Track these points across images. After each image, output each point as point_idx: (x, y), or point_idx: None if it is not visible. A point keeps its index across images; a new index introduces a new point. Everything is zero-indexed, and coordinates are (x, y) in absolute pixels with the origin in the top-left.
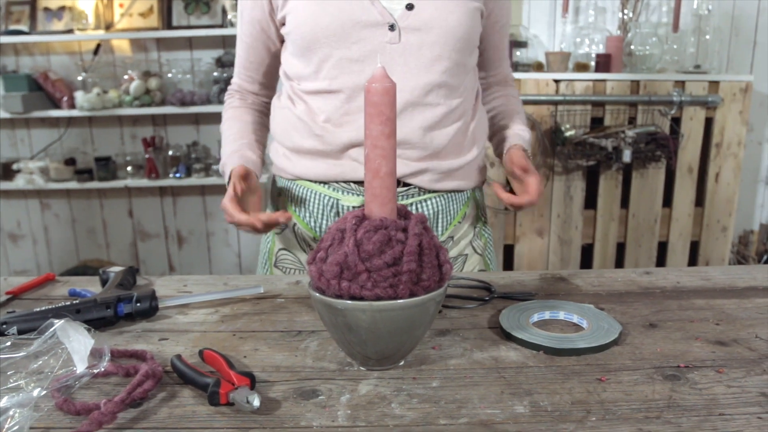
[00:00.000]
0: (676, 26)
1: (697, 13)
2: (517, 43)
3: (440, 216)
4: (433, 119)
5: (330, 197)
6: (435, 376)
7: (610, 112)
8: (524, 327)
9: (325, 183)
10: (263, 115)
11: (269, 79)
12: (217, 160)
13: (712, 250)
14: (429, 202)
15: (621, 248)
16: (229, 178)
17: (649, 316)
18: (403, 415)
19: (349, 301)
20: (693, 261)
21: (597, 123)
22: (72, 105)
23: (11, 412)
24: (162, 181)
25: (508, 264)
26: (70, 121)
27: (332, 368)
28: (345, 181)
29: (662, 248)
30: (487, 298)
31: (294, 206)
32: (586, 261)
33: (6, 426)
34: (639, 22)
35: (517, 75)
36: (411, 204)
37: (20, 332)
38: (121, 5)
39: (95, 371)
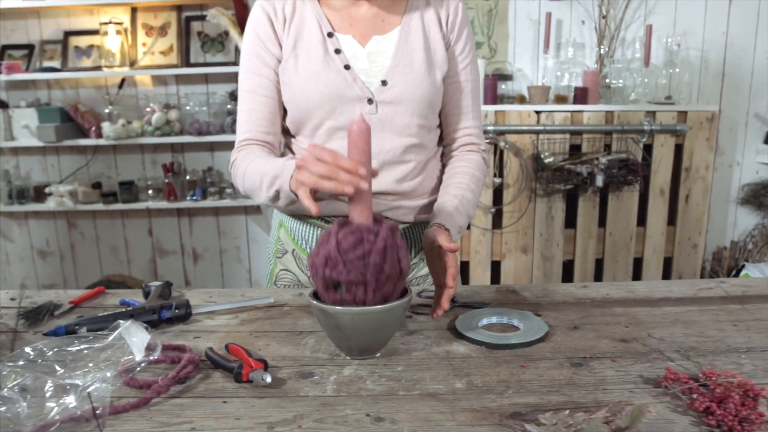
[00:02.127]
0: (647, 61)
1: (668, 48)
2: (503, 77)
3: (413, 242)
4: (405, 172)
5: (322, 228)
6: (400, 363)
7: (587, 140)
8: (474, 328)
9: (318, 218)
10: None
11: (280, 128)
12: (232, 185)
13: (684, 265)
14: (404, 232)
15: (599, 264)
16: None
17: (575, 320)
18: (373, 389)
19: (338, 307)
20: (667, 276)
21: (575, 150)
22: (99, 134)
23: (95, 386)
24: (180, 204)
25: (495, 279)
26: (96, 149)
27: (325, 357)
28: (336, 216)
29: (638, 264)
30: (450, 306)
31: (293, 235)
32: (568, 276)
33: (94, 395)
34: (614, 58)
35: (501, 107)
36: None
37: (88, 331)
38: (144, 44)
39: (150, 358)
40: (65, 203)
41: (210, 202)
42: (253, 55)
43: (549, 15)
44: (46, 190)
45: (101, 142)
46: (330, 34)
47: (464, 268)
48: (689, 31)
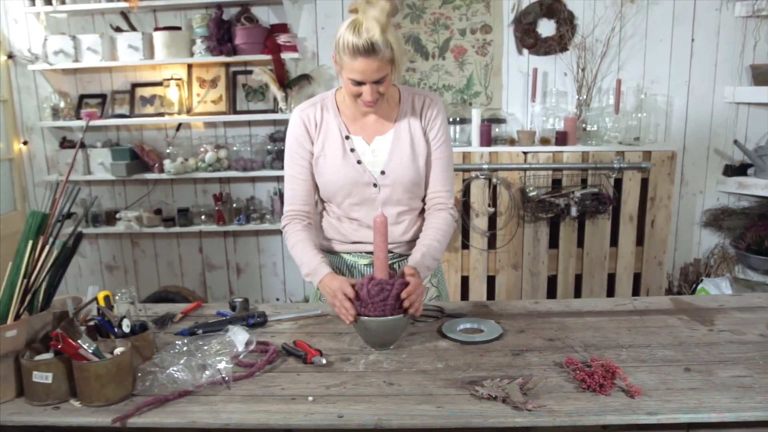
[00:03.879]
0: (617, 109)
1: (638, 95)
2: (497, 120)
3: None
4: (403, 229)
5: (350, 260)
6: (404, 353)
7: (566, 175)
8: (454, 331)
9: (348, 253)
10: (314, 229)
11: (314, 200)
12: (271, 211)
13: (651, 280)
14: (405, 261)
15: (579, 279)
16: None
17: (523, 326)
18: (388, 367)
19: (366, 317)
20: (636, 289)
21: (557, 183)
22: (161, 170)
23: (221, 364)
24: (227, 227)
25: (490, 291)
26: (156, 180)
27: (357, 349)
28: (358, 252)
29: (611, 279)
30: (439, 316)
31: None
32: (552, 289)
33: (222, 369)
34: (591, 105)
35: (495, 148)
36: (400, 261)
37: (204, 333)
38: (198, 95)
39: (249, 349)
40: (132, 227)
41: (252, 226)
42: (293, 150)
43: (536, 69)
44: (117, 215)
45: (163, 176)
46: (347, 137)
47: (464, 282)
48: (656, 80)
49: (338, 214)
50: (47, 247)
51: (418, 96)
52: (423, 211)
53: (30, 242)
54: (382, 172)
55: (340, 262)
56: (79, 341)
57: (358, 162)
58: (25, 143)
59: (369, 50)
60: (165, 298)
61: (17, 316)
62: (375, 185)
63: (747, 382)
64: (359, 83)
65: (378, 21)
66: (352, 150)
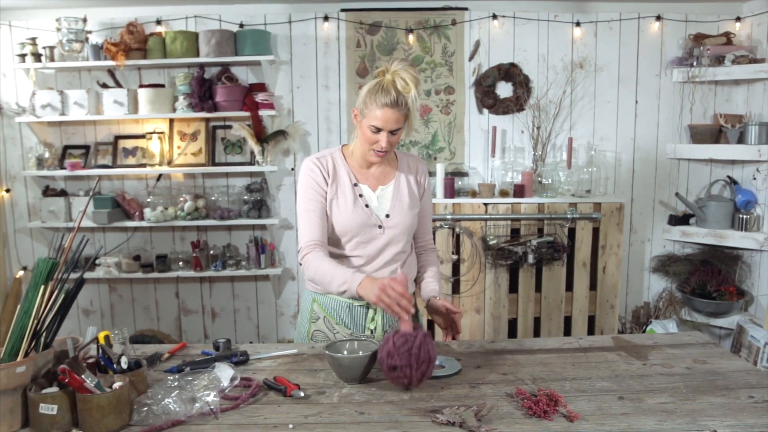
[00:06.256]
0: (569, 164)
1: (588, 151)
2: (460, 174)
3: None
4: (394, 266)
5: (345, 301)
6: (374, 386)
7: (524, 225)
8: None
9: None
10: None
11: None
12: (246, 258)
13: (605, 322)
14: None
15: (537, 321)
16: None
17: (480, 362)
18: (359, 399)
19: (339, 354)
20: (591, 330)
21: (516, 232)
22: (141, 218)
23: (209, 397)
24: (204, 273)
25: None
26: (135, 228)
27: (331, 384)
28: (354, 298)
29: (567, 321)
30: None
31: (324, 307)
32: (512, 331)
33: (210, 401)
34: (546, 161)
35: (458, 200)
36: None
37: (191, 370)
38: (178, 147)
39: (234, 384)
40: (112, 272)
41: (228, 272)
42: (309, 188)
43: (495, 127)
44: (97, 261)
45: (143, 224)
46: (355, 184)
47: (431, 324)
48: (605, 137)
49: (339, 256)
50: (55, 293)
51: (411, 158)
52: (411, 252)
53: (42, 287)
54: (387, 216)
55: (336, 305)
56: (83, 376)
57: (366, 206)
58: (7, 191)
59: (394, 103)
60: (141, 341)
61: (26, 354)
62: (380, 227)
63: (670, 408)
64: (378, 130)
65: (413, 77)
66: (361, 195)
